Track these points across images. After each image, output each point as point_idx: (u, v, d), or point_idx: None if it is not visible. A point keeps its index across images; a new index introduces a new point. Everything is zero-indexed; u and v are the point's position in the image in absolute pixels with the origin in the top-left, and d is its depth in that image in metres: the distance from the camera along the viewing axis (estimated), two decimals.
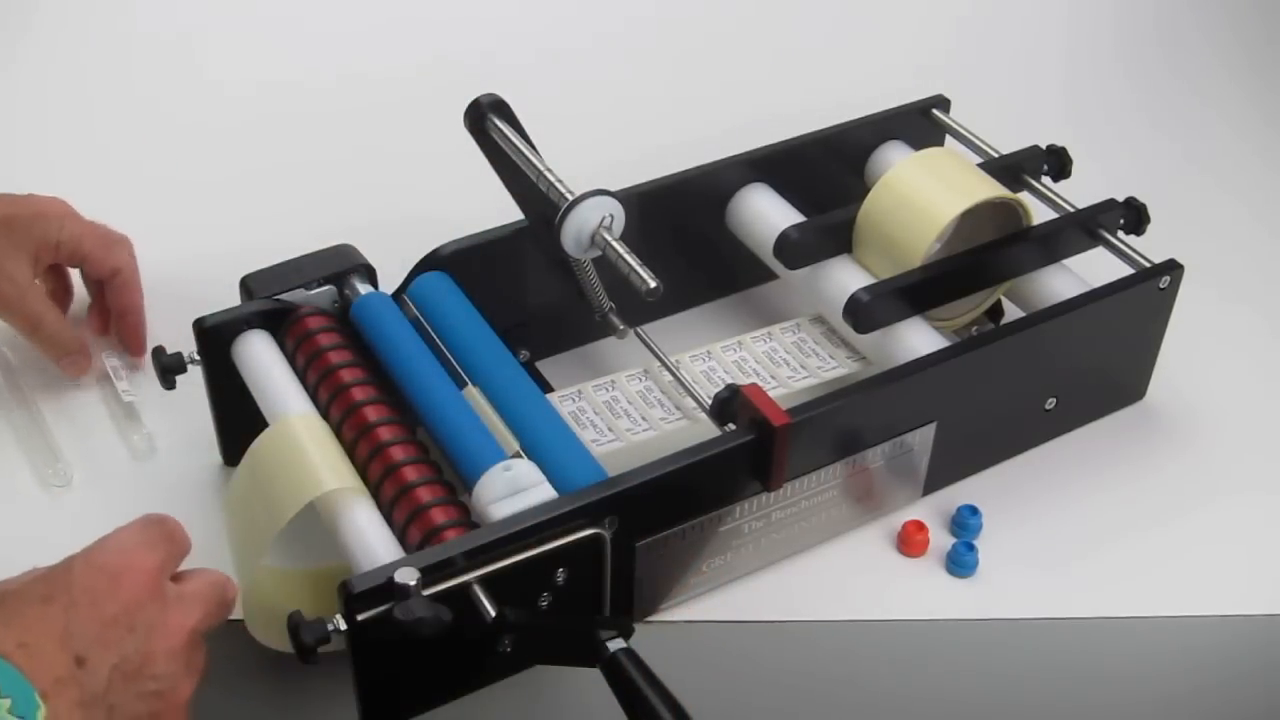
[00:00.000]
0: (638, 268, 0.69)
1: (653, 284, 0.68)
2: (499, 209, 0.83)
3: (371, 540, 0.67)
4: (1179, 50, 1.24)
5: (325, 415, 0.74)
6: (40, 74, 1.12)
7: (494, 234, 0.84)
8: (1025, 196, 0.88)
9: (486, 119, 0.78)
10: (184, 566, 0.64)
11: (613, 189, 0.87)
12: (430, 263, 0.82)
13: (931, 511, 0.83)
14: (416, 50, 1.19)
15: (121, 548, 0.59)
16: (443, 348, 0.78)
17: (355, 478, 0.70)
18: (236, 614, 0.70)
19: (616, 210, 0.72)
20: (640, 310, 0.87)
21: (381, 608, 0.63)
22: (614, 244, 0.70)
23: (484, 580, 0.65)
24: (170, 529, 0.61)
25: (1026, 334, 0.81)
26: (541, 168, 0.75)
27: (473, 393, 0.75)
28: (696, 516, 0.73)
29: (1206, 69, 1.22)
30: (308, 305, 0.79)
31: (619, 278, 0.86)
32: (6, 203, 0.81)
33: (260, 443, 0.71)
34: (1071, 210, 0.89)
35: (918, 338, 0.82)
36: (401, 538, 0.69)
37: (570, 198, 0.71)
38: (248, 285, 0.79)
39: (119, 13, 1.16)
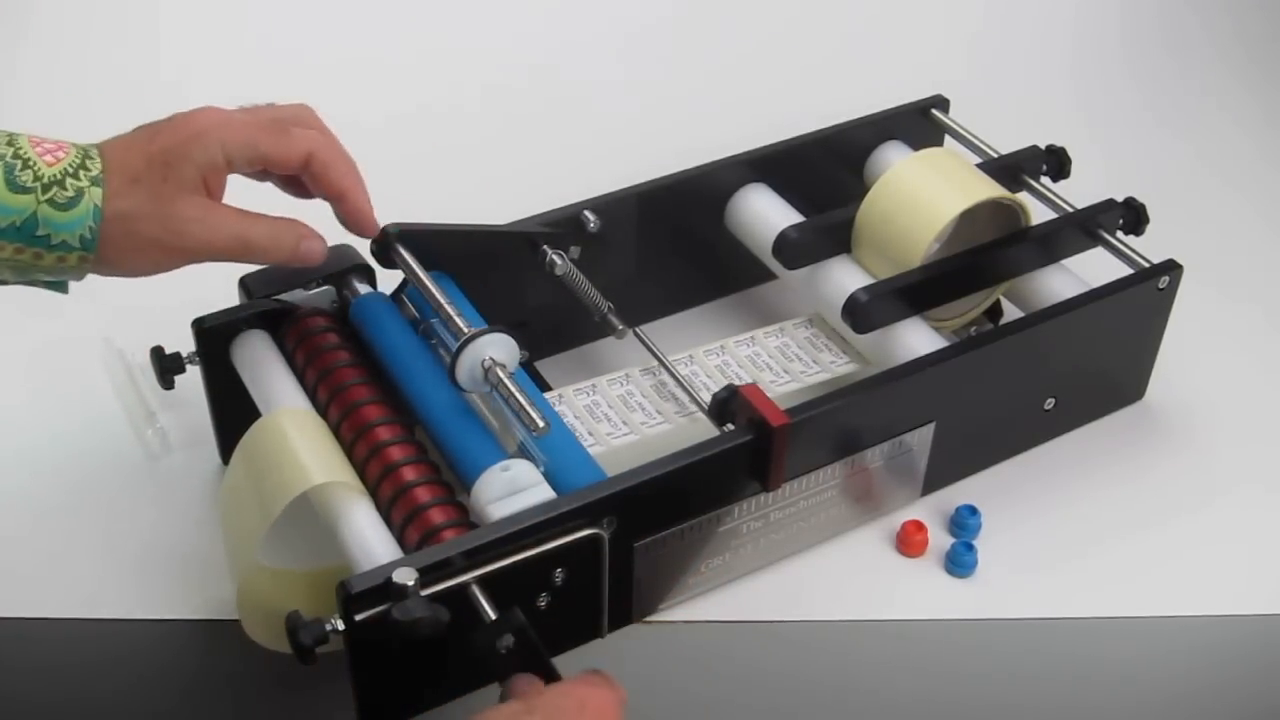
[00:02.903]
0: (527, 407, 0.69)
1: (541, 424, 0.69)
2: (499, 209, 0.83)
3: (370, 540, 0.67)
4: (1180, 49, 1.24)
5: (324, 415, 0.74)
6: (41, 75, 1.12)
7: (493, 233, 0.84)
8: (1024, 196, 0.88)
9: (393, 249, 0.78)
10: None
11: (612, 189, 0.88)
12: (429, 263, 0.82)
13: (931, 511, 0.83)
14: (415, 48, 1.19)
15: (586, 683, 0.59)
16: (440, 348, 0.78)
17: (348, 472, 0.70)
18: (232, 614, 0.70)
19: (508, 349, 0.72)
20: (639, 310, 0.88)
21: (380, 608, 0.63)
22: (505, 381, 0.71)
23: (482, 580, 0.65)
24: (613, 682, 0.61)
25: (1025, 334, 0.81)
26: (442, 300, 0.75)
27: (471, 393, 0.75)
28: (695, 517, 0.73)
29: (1209, 69, 1.22)
30: (307, 305, 0.79)
31: (616, 279, 0.86)
32: (156, 135, 0.68)
33: (248, 437, 0.71)
34: (1070, 210, 0.89)
35: (916, 338, 0.82)
36: (400, 538, 0.69)
37: (466, 333, 0.71)
38: (247, 285, 0.80)
39: (119, 19, 1.16)
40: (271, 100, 0.73)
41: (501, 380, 0.71)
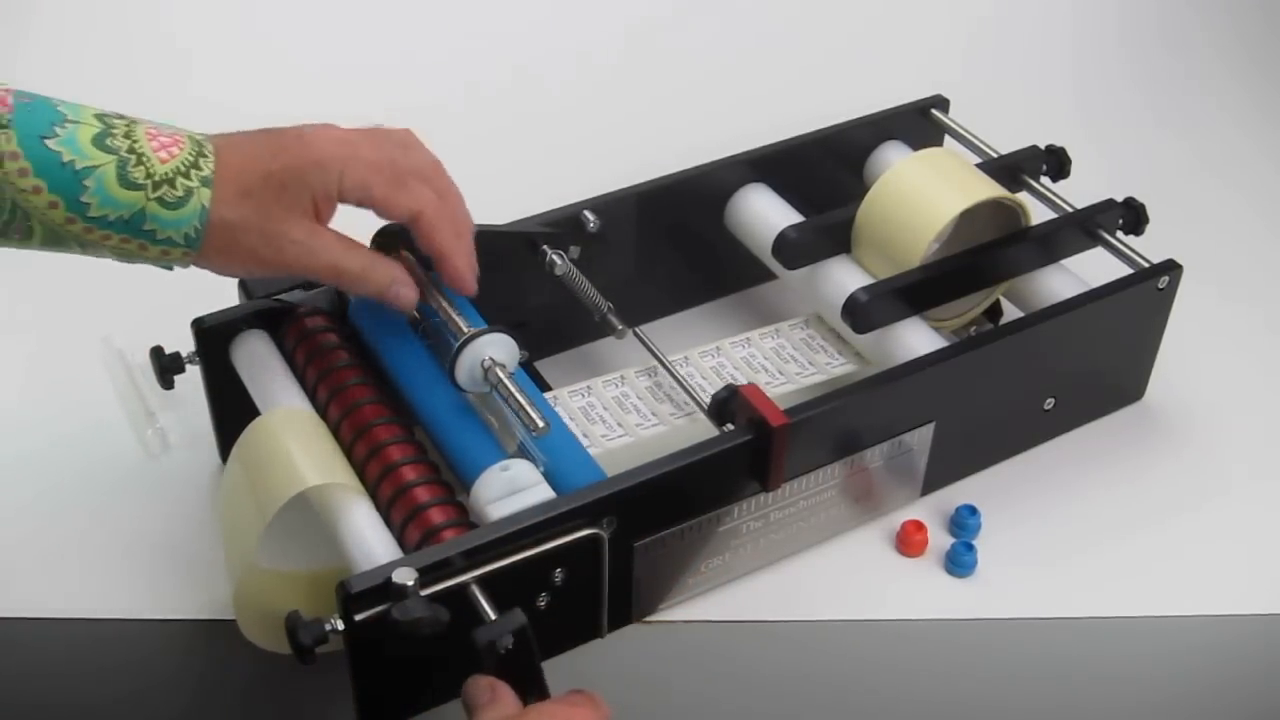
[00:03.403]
0: (527, 407, 0.69)
1: (541, 424, 0.69)
2: (499, 209, 0.83)
3: (369, 540, 0.67)
4: (1180, 49, 1.24)
5: (324, 414, 0.74)
6: (41, 76, 1.12)
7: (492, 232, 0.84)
8: (1024, 196, 0.88)
9: (393, 249, 0.78)
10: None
11: (611, 189, 0.88)
12: (428, 262, 0.82)
13: (930, 511, 0.82)
14: (414, 47, 1.19)
15: (569, 703, 0.59)
16: (440, 348, 0.78)
17: (345, 472, 0.70)
18: (229, 614, 0.70)
19: (508, 349, 0.72)
20: (639, 310, 0.87)
21: (379, 608, 0.63)
22: (505, 381, 0.71)
23: (482, 580, 0.65)
24: (597, 701, 0.61)
25: (1025, 334, 0.81)
26: (442, 300, 0.75)
27: (471, 393, 0.75)
28: (695, 517, 0.73)
29: (1209, 69, 1.22)
30: (306, 305, 0.79)
31: (615, 279, 0.86)
32: (280, 152, 0.68)
33: (244, 438, 0.71)
34: (1070, 210, 0.89)
35: (916, 338, 0.82)
36: (399, 537, 0.69)
37: (466, 333, 0.72)
38: (247, 285, 0.80)
39: (120, 23, 1.17)
40: (409, 125, 0.74)
41: (501, 380, 0.71)
